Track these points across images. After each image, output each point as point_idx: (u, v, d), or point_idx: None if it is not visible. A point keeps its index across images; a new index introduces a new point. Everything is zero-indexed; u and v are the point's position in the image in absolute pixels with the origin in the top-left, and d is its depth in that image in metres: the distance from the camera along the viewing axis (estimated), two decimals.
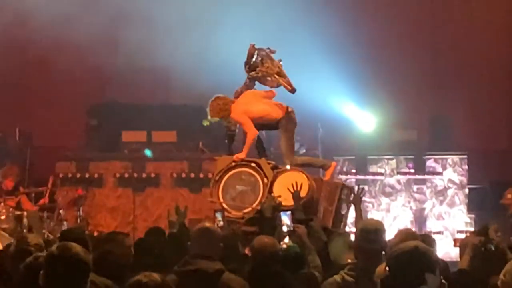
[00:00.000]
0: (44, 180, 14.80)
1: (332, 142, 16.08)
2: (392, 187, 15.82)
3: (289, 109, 10.71)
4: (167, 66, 15.71)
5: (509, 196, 13.43)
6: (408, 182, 15.78)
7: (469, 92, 16.76)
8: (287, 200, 9.78)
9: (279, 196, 9.93)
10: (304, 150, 15.28)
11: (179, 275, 5.88)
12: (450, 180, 15.64)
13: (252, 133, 10.59)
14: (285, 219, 9.62)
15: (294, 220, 9.24)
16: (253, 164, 10.42)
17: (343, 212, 10.57)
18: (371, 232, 5.56)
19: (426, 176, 15.70)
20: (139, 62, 15.63)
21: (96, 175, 15.06)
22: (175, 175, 14.90)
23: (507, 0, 17.29)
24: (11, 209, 13.32)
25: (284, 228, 9.40)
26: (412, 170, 15.73)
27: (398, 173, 15.80)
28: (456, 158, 15.67)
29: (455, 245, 12.76)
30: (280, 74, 10.78)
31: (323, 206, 10.36)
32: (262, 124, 10.82)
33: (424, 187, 15.72)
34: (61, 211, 14.07)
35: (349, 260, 6.29)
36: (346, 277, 5.58)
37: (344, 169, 15.88)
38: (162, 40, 15.77)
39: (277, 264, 6.25)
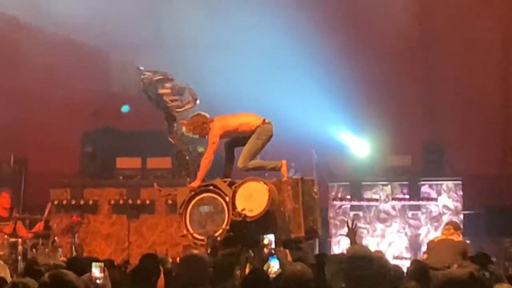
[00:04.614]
0: (38, 206, 14.76)
1: (327, 168, 16.09)
2: (387, 213, 15.80)
3: (266, 121, 10.71)
4: None
5: None
6: (403, 208, 15.77)
7: (463, 118, 16.80)
8: (252, 210, 9.88)
9: (244, 210, 9.97)
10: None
11: None
12: (445, 206, 15.64)
13: (207, 157, 10.60)
14: (271, 239, 9.57)
15: (278, 242, 9.24)
16: (211, 187, 10.44)
17: (311, 204, 10.55)
18: (359, 259, 5.59)
19: (421, 202, 15.70)
20: (133, 89, 15.63)
21: (90, 202, 15.04)
22: (169, 202, 14.87)
23: (501, 29, 17.39)
24: (6, 236, 13.27)
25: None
26: (407, 196, 15.71)
27: (393, 199, 15.79)
28: (450, 183, 15.67)
29: None
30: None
31: (291, 206, 10.37)
32: (240, 137, 10.76)
33: (419, 213, 15.70)
34: (56, 238, 14.02)
35: (343, 285, 6.28)
36: None
37: (339, 195, 15.88)
38: (157, 66, 15.78)
39: None
